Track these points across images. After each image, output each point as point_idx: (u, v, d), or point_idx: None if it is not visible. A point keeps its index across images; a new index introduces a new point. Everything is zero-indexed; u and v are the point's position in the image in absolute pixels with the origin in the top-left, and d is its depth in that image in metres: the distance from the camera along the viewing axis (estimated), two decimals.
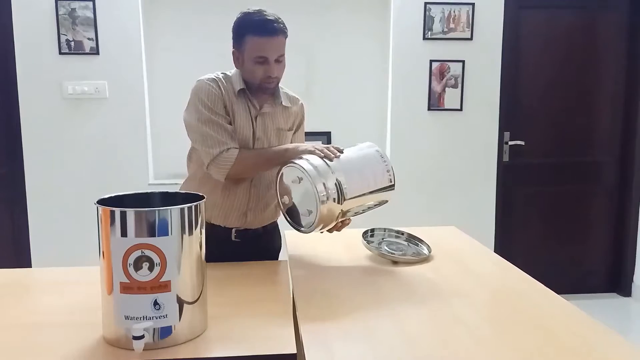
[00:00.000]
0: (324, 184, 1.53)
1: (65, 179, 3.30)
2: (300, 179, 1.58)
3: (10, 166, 3.29)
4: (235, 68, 1.80)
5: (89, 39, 3.21)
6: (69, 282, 1.63)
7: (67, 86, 3.23)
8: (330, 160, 1.59)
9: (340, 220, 1.63)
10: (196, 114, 1.72)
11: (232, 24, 1.74)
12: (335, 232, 1.69)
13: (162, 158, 3.43)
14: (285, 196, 1.68)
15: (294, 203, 1.66)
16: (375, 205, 1.71)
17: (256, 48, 1.69)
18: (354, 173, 1.61)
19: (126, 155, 3.33)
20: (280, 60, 1.72)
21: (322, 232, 1.66)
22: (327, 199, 1.54)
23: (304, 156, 1.61)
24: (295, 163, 1.59)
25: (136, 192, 1.34)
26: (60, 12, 3.17)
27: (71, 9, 3.17)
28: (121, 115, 3.30)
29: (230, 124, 1.74)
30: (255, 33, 1.68)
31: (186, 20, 3.37)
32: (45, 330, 1.28)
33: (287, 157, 1.65)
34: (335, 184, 1.55)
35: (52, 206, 3.31)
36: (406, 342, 1.19)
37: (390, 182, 1.68)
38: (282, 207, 1.71)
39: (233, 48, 1.76)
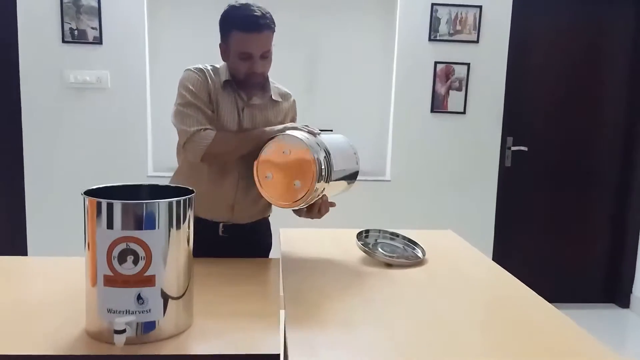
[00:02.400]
0: (320, 156, 1.55)
1: (64, 167, 3.29)
2: (291, 151, 1.56)
3: (10, 154, 3.28)
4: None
5: (92, 28, 3.20)
6: (59, 272, 1.61)
7: (69, 75, 3.21)
8: (314, 136, 1.59)
9: (320, 197, 1.62)
10: (179, 99, 1.73)
11: (219, 18, 1.71)
12: (330, 232, 1.67)
13: (161, 151, 3.42)
14: (269, 172, 1.63)
15: (276, 178, 1.62)
16: (343, 190, 1.75)
17: (241, 44, 1.66)
18: (337, 151, 1.63)
19: (126, 146, 3.32)
20: (266, 56, 1.70)
21: (303, 208, 1.66)
22: (323, 172, 1.54)
23: (288, 131, 1.61)
24: (288, 134, 1.57)
25: (125, 183, 1.32)
26: (64, 1, 3.15)
27: None
28: (122, 106, 3.29)
29: (212, 112, 1.73)
30: (240, 28, 1.64)
31: (190, 12, 3.34)
32: (27, 320, 1.26)
33: (265, 136, 1.63)
34: (325, 157, 1.55)
35: (50, 195, 3.30)
36: (393, 349, 1.17)
37: (358, 165, 1.75)
38: (259, 183, 1.65)
39: (220, 41, 1.74)
